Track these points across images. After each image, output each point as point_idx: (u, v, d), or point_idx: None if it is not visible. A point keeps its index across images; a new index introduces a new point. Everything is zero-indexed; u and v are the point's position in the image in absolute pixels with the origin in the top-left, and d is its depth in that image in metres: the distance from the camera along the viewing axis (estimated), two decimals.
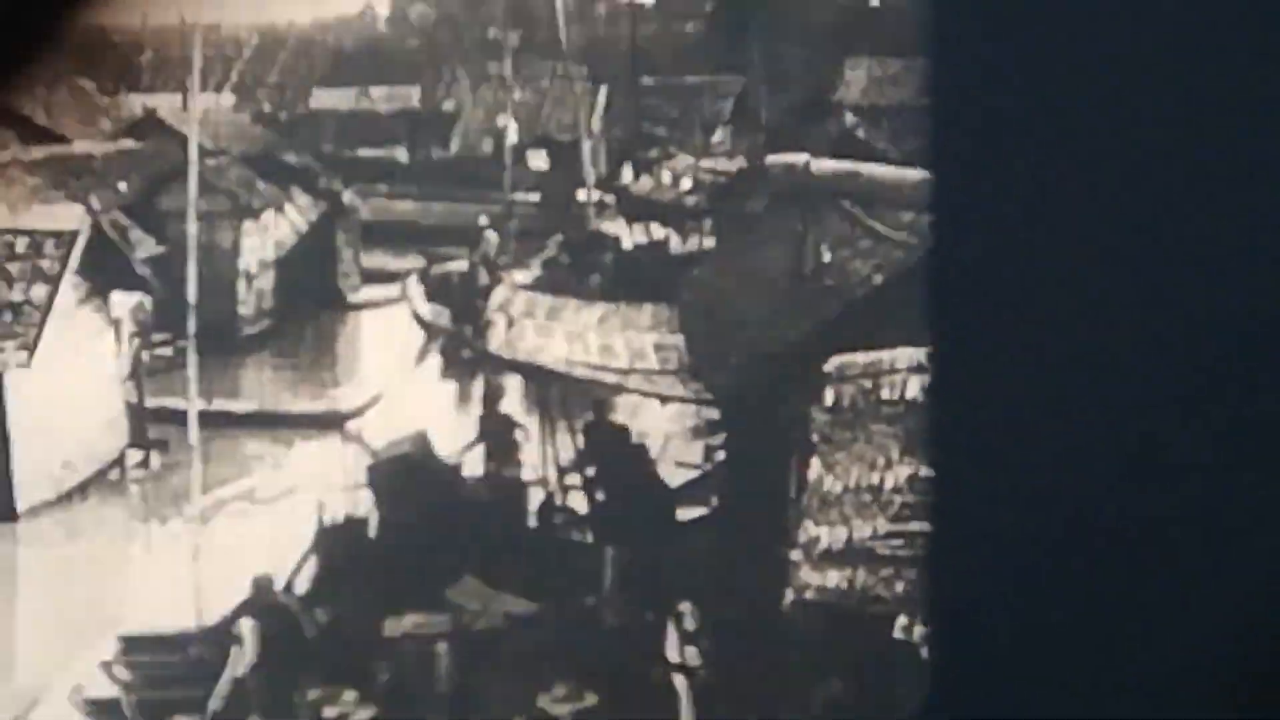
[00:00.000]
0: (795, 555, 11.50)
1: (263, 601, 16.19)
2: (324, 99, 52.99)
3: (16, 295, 22.16)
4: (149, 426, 25.22)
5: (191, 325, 17.93)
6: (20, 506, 22.45)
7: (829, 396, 11.91)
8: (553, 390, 18.90)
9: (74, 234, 22.80)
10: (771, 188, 18.56)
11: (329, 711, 15.42)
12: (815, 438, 11.90)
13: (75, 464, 23.53)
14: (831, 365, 12.16)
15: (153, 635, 17.38)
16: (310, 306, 34.58)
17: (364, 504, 20.27)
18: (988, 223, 2.24)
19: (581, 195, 39.47)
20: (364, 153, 46.59)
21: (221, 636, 16.54)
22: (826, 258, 14.25)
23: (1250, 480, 2.20)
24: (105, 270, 23.81)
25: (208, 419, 27.04)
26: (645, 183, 41.22)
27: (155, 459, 25.07)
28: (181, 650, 17.04)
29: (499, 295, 20.05)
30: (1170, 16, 2.16)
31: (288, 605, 16.37)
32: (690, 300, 19.43)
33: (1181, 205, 2.20)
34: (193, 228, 18.84)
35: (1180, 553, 2.23)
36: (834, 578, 11.17)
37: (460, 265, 36.74)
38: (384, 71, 55.14)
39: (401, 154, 49.02)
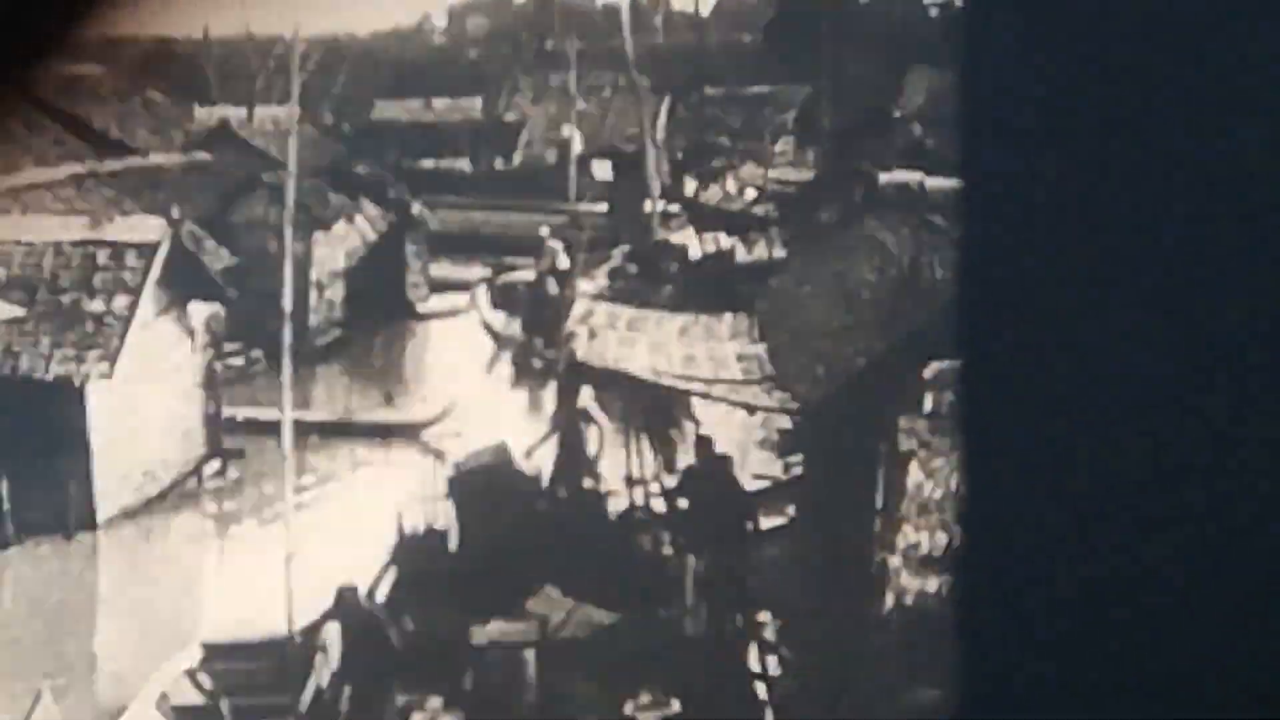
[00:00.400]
0: (894, 561, 11.52)
1: (347, 610, 16.30)
2: (386, 111, 53.23)
3: (98, 306, 22.36)
4: (225, 436, 25.42)
5: (287, 335, 18.06)
6: (101, 516, 22.65)
7: (928, 402, 11.95)
8: (637, 400, 18.96)
9: (155, 245, 23.00)
10: (881, 204, 18.56)
11: (416, 718, 15.51)
12: (913, 444, 11.92)
13: (155, 473, 23.73)
14: (930, 371, 12.19)
15: (236, 643, 17.51)
16: (379, 316, 34.76)
17: (444, 514, 20.37)
18: (1021, 233, 2.23)
19: (647, 205, 39.52)
20: (427, 164, 46.79)
21: (306, 644, 16.66)
22: (939, 274, 14.27)
23: None
24: (183, 281, 24.00)
25: (277, 428, 27.29)
26: (712, 192, 41.30)
27: (233, 469, 25.27)
28: (265, 658, 17.16)
29: (580, 307, 20.12)
30: (1222, 33, 2.16)
31: (373, 613, 16.47)
32: (769, 310, 19.45)
33: (1229, 213, 2.18)
34: (288, 233, 18.96)
35: (1236, 564, 2.24)
36: (934, 583, 11.20)
37: (527, 275, 36.89)
38: (445, 83, 55.37)
39: (465, 165, 49.20)
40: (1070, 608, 2.25)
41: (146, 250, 22.91)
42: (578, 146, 45.95)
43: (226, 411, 25.52)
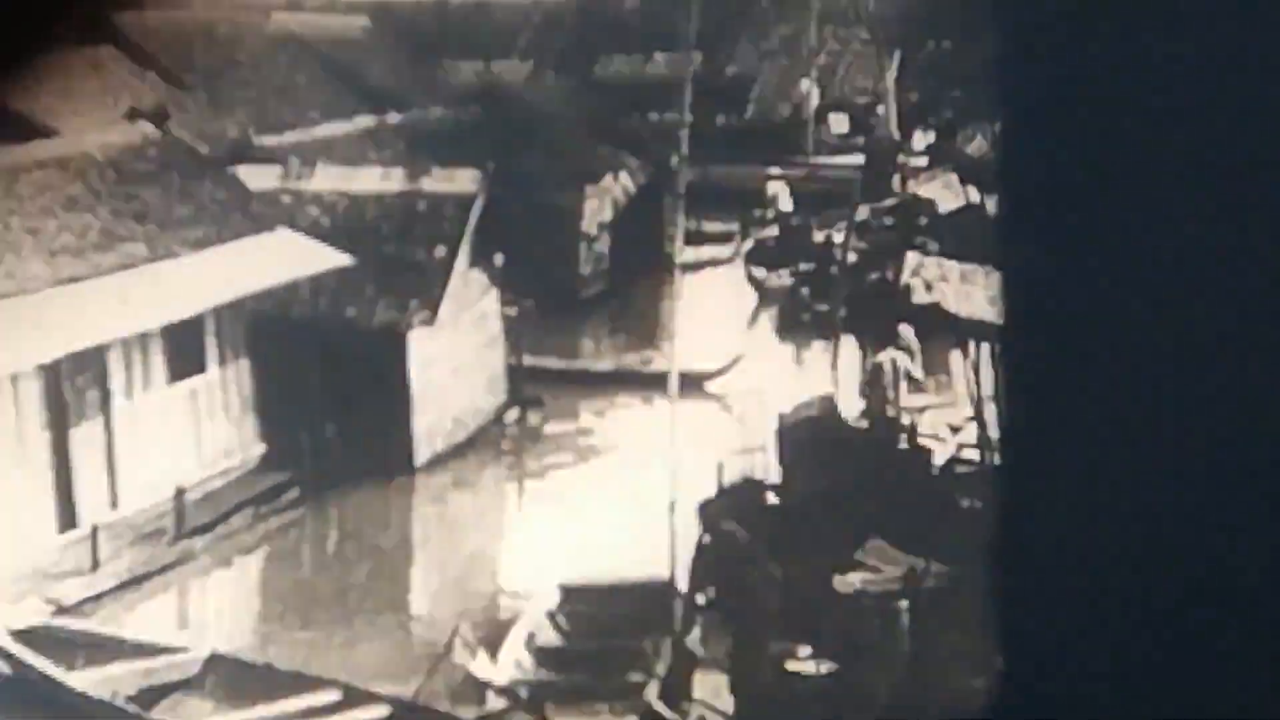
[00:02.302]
0: None
1: (717, 556, 16.59)
2: (609, 66, 53.45)
3: (419, 255, 22.88)
4: (525, 385, 25.91)
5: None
6: (418, 460, 23.22)
7: None
8: (984, 348, 19.01)
9: (471, 196, 23.47)
10: None
11: (790, 665, 15.75)
12: None
13: (464, 420, 24.27)
14: None
15: (592, 585, 17.88)
16: (641, 269, 35.10)
17: (762, 466, 20.61)
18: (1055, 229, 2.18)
19: (890, 159, 39.42)
20: (652, 118, 47.00)
21: (672, 590, 16.96)
22: None
23: None
24: (490, 232, 24.45)
25: (568, 377, 27.73)
26: (952, 145, 41.05)
27: (532, 415, 25.75)
28: (624, 602, 17.50)
29: (912, 259, 20.21)
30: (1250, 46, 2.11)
31: (743, 559, 16.75)
32: None
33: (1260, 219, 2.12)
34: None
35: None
36: None
37: (773, 230, 37.07)
38: (663, 39, 55.45)
39: (695, 118, 49.22)
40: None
41: (464, 201, 23.38)
42: (815, 100, 45.97)
43: (527, 360, 26.02)
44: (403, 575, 22.25)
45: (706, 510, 18.67)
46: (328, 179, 23.72)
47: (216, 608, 20.61)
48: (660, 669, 16.09)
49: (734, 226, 39.15)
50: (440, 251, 22.94)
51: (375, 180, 23.71)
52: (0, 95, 24.49)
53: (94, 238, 19.95)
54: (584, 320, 32.54)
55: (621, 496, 22.43)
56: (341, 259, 22.01)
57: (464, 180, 23.65)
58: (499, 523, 24.02)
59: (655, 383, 27.77)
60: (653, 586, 16.98)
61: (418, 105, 32.59)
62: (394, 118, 30.73)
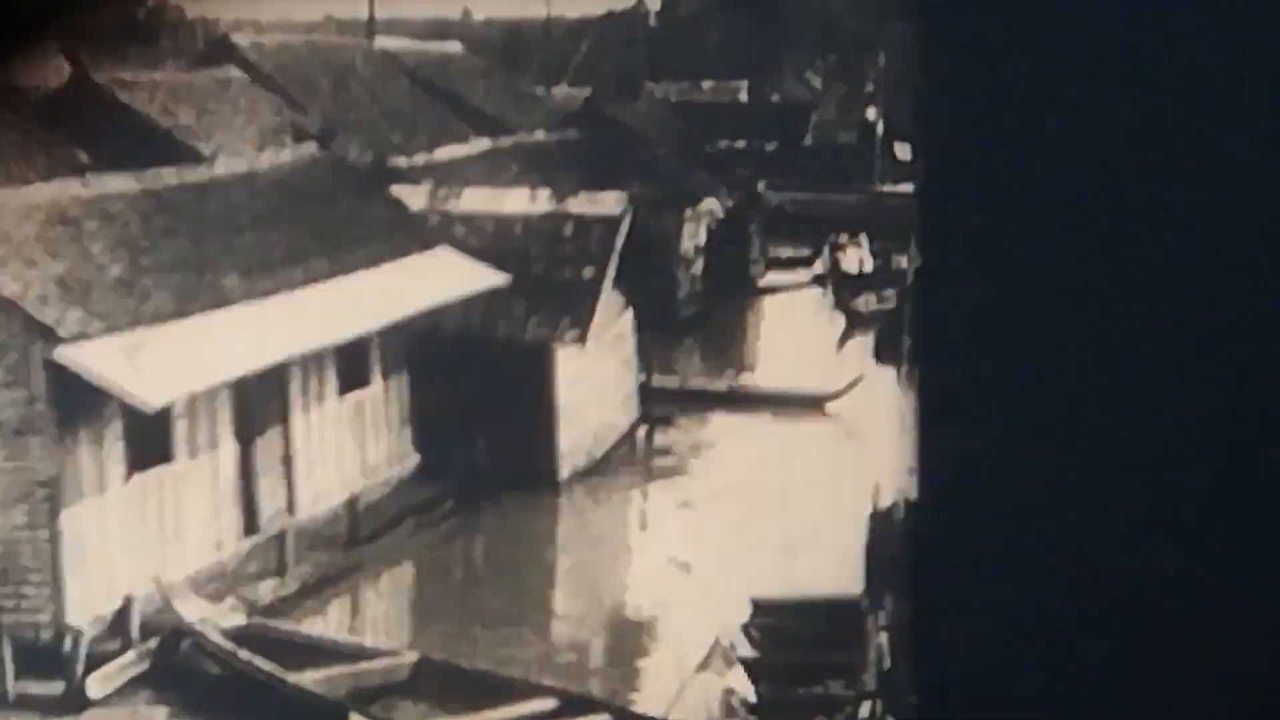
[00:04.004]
0: None
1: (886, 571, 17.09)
2: (655, 92, 53.99)
3: (568, 275, 23.45)
4: (654, 404, 26.53)
5: None
6: (561, 474, 23.76)
7: None
8: None
9: (617, 219, 24.06)
10: None
11: None
12: None
13: (603, 436, 24.83)
14: None
15: (786, 601, 18.31)
16: (728, 291, 35.76)
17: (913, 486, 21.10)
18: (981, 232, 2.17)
19: None
20: (728, 143, 47.61)
21: (852, 604, 17.43)
22: None
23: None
24: (625, 254, 25.02)
25: (684, 396, 28.30)
26: None
27: (660, 433, 26.35)
28: (814, 617, 17.96)
29: None
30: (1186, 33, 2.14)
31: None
32: None
33: (1190, 212, 2.16)
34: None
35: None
36: None
37: (855, 254, 37.73)
38: (705, 65, 56.06)
39: (756, 145, 49.99)
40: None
41: (610, 223, 23.97)
42: (880, 129, 46.68)
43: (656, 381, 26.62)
44: (547, 585, 22.76)
45: (872, 529, 19.22)
46: (475, 200, 24.30)
47: (383, 612, 21.12)
48: (869, 682, 16.43)
49: (807, 251, 39.88)
50: (588, 272, 23.52)
51: (523, 202, 24.29)
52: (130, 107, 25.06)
53: (279, 253, 20.51)
54: (681, 340, 33.16)
55: (763, 512, 23.04)
56: (499, 277, 22.60)
57: (609, 203, 24.26)
58: (630, 536, 24.54)
59: (768, 402, 28.38)
60: (843, 602, 17.44)
61: (522, 128, 33.20)
62: (505, 140, 31.34)
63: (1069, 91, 2.14)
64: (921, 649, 2.28)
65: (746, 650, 17.81)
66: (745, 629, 18.03)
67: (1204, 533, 2.19)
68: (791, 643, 17.80)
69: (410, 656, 17.43)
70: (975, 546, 2.22)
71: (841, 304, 34.85)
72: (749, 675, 17.37)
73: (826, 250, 37.50)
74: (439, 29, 43.34)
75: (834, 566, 18.26)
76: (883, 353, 32.55)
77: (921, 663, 2.28)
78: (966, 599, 2.22)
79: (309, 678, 16.65)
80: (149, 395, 16.76)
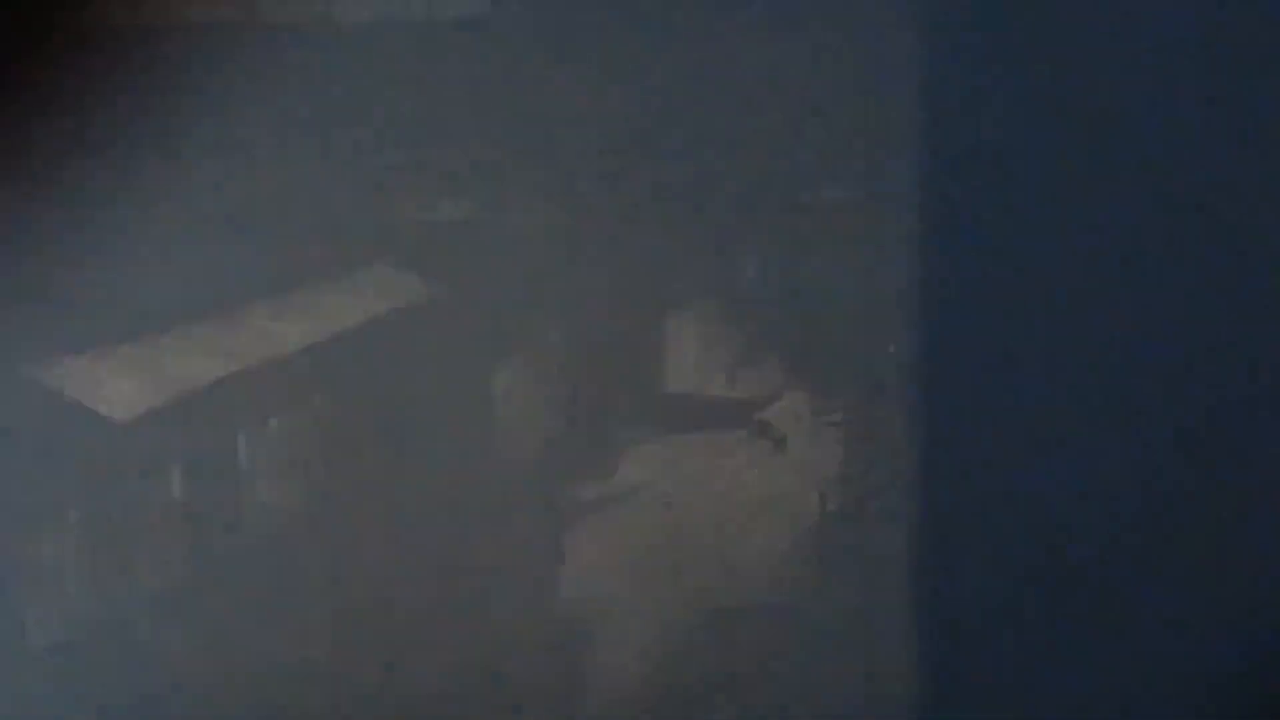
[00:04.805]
0: None
1: None
2: None
3: None
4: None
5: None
6: None
7: None
8: None
9: None
10: None
11: None
12: None
13: None
14: None
15: None
16: None
17: None
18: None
19: None
20: None
21: None
22: None
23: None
24: None
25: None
26: None
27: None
28: None
29: None
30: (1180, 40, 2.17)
31: None
32: None
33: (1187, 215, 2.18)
34: None
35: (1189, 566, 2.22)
36: None
37: None
38: None
39: None
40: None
41: None
42: None
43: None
44: None
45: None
46: None
47: None
48: None
49: None
50: None
51: None
52: None
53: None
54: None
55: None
56: None
57: None
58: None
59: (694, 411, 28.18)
60: None
61: None
62: None
63: (1069, 91, 2.16)
64: (922, 649, 2.29)
65: None
66: None
67: (1204, 532, 2.20)
68: None
69: None
70: (975, 546, 2.24)
71: None
72: None
73: None
74: None
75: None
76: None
77: (922, 662, 2.30)
78: (967, 599, 2.25)
79: None
80: None
